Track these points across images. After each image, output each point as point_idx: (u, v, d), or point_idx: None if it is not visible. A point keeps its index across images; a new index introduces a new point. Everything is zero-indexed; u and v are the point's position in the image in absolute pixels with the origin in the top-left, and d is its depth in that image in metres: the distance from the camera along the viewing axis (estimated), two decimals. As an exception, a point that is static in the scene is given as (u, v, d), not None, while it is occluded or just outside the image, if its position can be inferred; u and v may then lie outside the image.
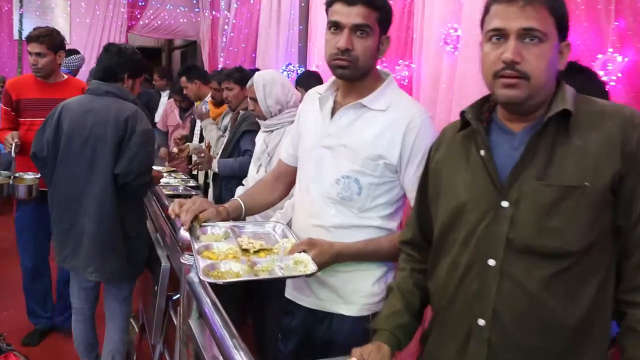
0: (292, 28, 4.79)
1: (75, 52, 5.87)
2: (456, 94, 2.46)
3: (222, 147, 3.45)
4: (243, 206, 1.70)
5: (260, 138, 2.81)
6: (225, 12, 6.53)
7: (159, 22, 7.50)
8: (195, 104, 4.33)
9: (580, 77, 1.47)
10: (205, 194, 3.76)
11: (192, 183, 3.96)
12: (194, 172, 4.19)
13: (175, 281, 2.19)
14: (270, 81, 2.63)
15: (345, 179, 1.52)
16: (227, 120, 3.80)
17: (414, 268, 1.35)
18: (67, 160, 2.44)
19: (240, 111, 3.37)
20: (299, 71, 4.56)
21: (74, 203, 2.45)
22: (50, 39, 3.10)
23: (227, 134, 3.80)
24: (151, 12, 7.45)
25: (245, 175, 3.13)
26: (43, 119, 2.60)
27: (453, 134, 1.24)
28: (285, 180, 1.83)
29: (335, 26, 1.48)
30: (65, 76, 3.31)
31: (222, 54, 6.30)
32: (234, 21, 6.17)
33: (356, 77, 1.51)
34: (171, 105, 4.92)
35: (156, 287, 2.32)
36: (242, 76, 3.40)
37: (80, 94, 2.76)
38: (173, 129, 4.89)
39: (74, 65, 5.64)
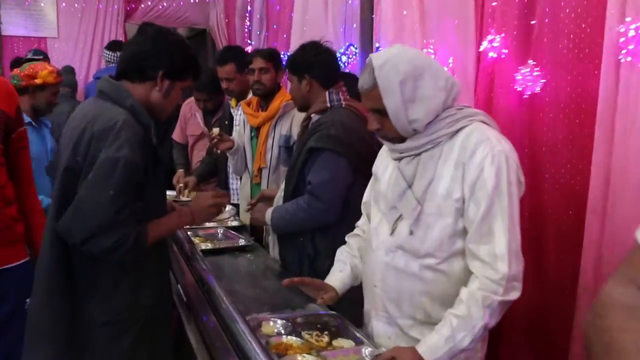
0: (351, -3, 3.55)
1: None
2: None
3: (286, 172, 2.21)
4: None
5: (383, 167, 1.57)
6: (246, -12, 5.30)
7: (165, 5, 6.25)
8: (230, 104, 3.07)
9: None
10: (259, 240, 2.52)
11: (234, 221, 2.72)
12: (232, 201, 2.97)
13: None
14: (412, 71, 1.36)
15: None
16: (285, 127, 2.55)
17: None
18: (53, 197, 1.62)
19: (313, 115, 2.13)
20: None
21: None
22: None
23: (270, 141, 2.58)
24: (154, -8, 6.22)
25: (313, 225, 1.98)
26: None
27: None
28: None
29: None
30: None
31: (251, 42, 5.05)
32: (260, -2, 4.93)
33: None
34: (191, 107, 3.62)
35: None
36: (303, 62, 2.15)
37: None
38: (195, 140, 3.60)
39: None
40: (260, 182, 2.59)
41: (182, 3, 6.31)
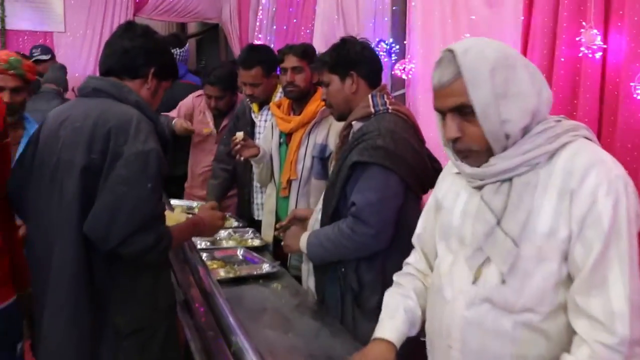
0: (382, -13, 3.22)
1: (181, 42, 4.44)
2: None
3: (324, 191, 1.88)
4: None
5: (453, 194, 1.23)
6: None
7: (175, -1, 6.00)
8: (252, 108, 2.72)
9: None
10: (283, 263, 2.20)
11: (255, 239, 2.41)
12: (257, 217, 2.64)
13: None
14: (503, 58, 1.07)
15: None
16: (321, 135, 2.22)
17: None
18: (36, 204, 1.51)
19: (354, 123, 1.79)
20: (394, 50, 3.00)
21: (42, 271, 1.47)
22: None
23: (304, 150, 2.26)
24: (165, -16, 5.97)
25: (359, 254, 1.69)
26: None
27: None
28: None
29: None
30: None
31: (260, 35, 4.71)
32: (277, -11, 4.61)
33: None
34: (201, 101, 3.23)
35: None
36: (349, 57, 1.82)
37: None
38: (200, 141, 3.22)
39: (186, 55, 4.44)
40: (288, 196, 2.27)
41: (194, -6, 6.03)
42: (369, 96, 1.77)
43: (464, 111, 1.08)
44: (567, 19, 1.83)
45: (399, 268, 1.66)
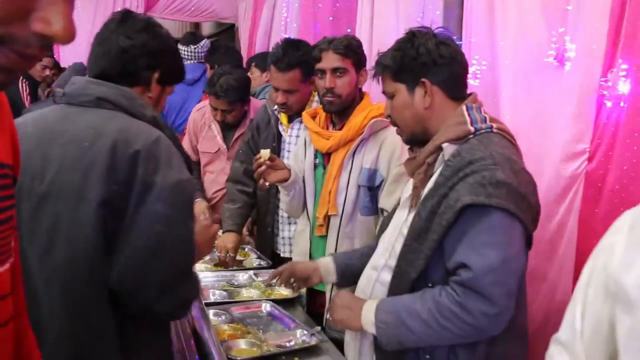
0: (431, -25, 2.79)
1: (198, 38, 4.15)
2: None
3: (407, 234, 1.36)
4: None
5: None
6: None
7: (188, -4, 5.73)
8: (279, 118, 2.19)
9: None
10: (317, 318, 1.69)
11: (285, 288, 1.90)
12: (282, 253, 2.13)
13: None
14: None
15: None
16: (370, 156, 1.70)
17: None
18: None
19: (445, 146, 1.24)
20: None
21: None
22: None
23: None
24: (178, -20, 5.56)
25: (467, 340, 1.20)
26: None
27: None
28: None
29: None
30: None
31: (285, 35, 4.24)
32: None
33: None
34: (204, 114, 2.72)
35: None
36: (418, 59, 1.28)
37: None
38: (209, 159, 2.71)
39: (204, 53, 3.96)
40: (326, 235, 1.75)
41: (207, -9, 5.75)
42: (463, 109, 1.27)
43: None
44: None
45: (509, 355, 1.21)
